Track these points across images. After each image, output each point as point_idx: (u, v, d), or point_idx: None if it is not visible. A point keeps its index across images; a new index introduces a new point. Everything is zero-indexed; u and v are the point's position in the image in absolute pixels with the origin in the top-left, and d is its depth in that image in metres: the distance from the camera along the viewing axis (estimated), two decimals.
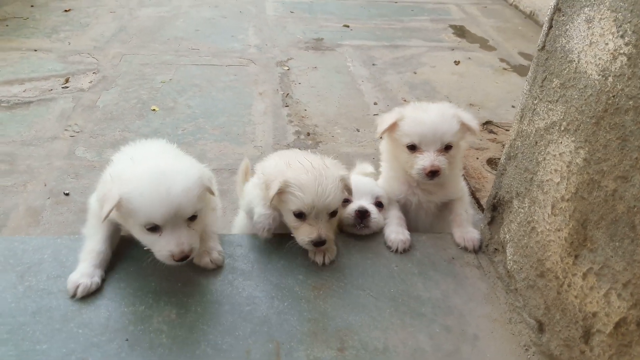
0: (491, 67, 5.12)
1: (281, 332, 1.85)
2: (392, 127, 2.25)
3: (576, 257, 1.66)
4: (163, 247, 1.77)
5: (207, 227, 2.08)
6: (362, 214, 2.22)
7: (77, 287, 1.89)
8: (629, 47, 1.43)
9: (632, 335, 1.45)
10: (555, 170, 1.76)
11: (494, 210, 2.20)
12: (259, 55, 5.12)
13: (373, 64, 5.05)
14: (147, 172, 1.78)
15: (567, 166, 1.70)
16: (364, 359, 1.78)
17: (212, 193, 1.94)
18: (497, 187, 2.17)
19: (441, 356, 1.81)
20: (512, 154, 2.06)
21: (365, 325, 1.90)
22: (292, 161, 2.03)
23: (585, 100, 1.61)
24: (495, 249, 2.18)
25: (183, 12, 6.06)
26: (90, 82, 4.38)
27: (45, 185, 3.17)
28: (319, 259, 2.13)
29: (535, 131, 1.89)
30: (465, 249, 2.27)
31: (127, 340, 1.77)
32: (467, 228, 2.31)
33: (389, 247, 2.23)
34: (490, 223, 2.23)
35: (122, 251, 2.09)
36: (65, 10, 5.76)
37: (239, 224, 2.48)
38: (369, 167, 2.71)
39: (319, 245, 2.00)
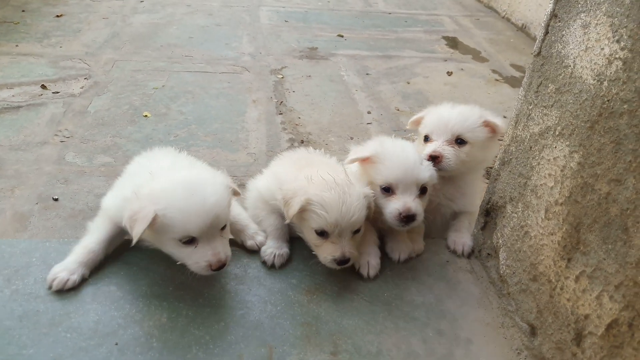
0: (483, 78, 5.16)
1: (274, 336, 1.83)
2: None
3: (569, 260, 1.66)
4: (200, 258, 1.79)
5: (239, 216, 2.18)
6: (408, 218, 2.02)
7: (54, 280, 1.89)
8: (625, 52, 1.44)
9: (624, 336, 1.45)
10: (549, 175, 1.77)
11: (487, 216, 2.20)
12: (253, 63, 5.12)
13: (367, 74, 5.07)
14: (179, 185, 1.79)
15: (561, 170, 1.71)
16: None
17: (238, 194, 1.98)
18: (491, 193, 2.18)
19: None
20: (506, 159, 2.06)
21: (359, 329, 1.88)
22: (314, 175, 1.93)
23: (580, 104, 1.63)
24: (488, 254, 2.18)
25: (177, 19, 6.05)
26: (82, 87, 4.35)
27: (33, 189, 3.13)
28: (364, 271, 2.08)
29: (530, 136, 1.89)
30: (454, 252, 2.28)
31: (116, 344, 1.74)
32: (462, 233, 2.31)
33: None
34: (483, 228, 2.23)
35: (112, 254, 2.06)
36: (57, 16, 5.73)
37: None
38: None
39: (343, 264, 1.93)
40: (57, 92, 4.23)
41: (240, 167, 3.46)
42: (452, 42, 6.02)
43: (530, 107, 1.90)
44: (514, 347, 1.89)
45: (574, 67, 1.66)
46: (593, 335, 1.57)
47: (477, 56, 5.68)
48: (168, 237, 1.78)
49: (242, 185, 2.69)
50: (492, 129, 2.25)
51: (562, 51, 1.72)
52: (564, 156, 1.69)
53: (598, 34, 1.55)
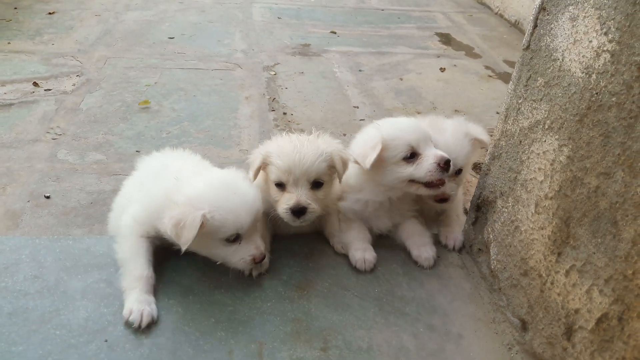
0: (476, 74, 5.16)
1: (264, 332, 1.82)
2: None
3: (559, 254, 1.66)
4: (245, 253, 1.84)
5: None
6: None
7: (142, 314, 1.77)
8: (613, 44, 1.44)
9: (614, 330, 1.45)
10: (539, 169, 1.77)
11: (478, 211, 2.20)
12: (245, 59, 5.10)
13: (360, 70, 5.06)
14: (219, 186, 1.83)
15: (551, 164, 1.71)
16: (347, 359, 1.76)
17: None
18: (481, 188, 2.18)
19: (425, 355, 1.80)
20: (496, 154, 2.06)
21: (350, 324, 1.88)
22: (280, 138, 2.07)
23: (569, 98, 1.62)
24: (479, 249, 2.18)
25: (169, 16, 6.02)
26: (74, 85, 4.32)
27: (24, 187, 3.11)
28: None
29: (520, 130, 1.89)
30: (445, 246, 2.28)
31: (106, 341, 1.73)
32: (452, 228, 2.31)
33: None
34: (474, 223, 2.23)
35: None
36: (50, 13, 5.69)
37: None
38: None
39: (299, 213, 1.94)
40: (49, 90, 4.21)
41: (232, 164, 3.43)
42: (445, 39, 6.02)
43: (519, 101, 1.90)
44: (505, 342, 1.89)
45: (562, 60, 1.66)
46: (583, 330, 1.57)
47: (470, 52, 5.68)
48: (214, 238, 1.81)
49: None
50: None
51: (551, 44, 1.72)
52: (554, 150, 1.69)
53: (586, 26, 1.55)
